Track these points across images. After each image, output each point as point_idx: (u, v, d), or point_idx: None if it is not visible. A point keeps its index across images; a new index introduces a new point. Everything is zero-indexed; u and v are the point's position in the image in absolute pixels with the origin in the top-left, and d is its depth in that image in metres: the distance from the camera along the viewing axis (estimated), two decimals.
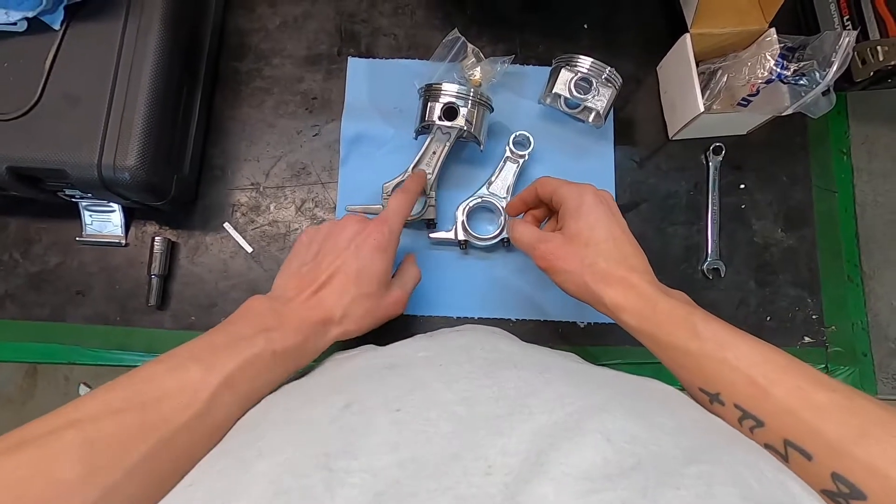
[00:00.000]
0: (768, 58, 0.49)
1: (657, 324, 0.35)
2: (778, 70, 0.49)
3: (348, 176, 0.53)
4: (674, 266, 0.54)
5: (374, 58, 0.55)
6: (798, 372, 0.30)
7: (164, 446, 0.27)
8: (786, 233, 0.55)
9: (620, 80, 0.51)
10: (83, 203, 0.49)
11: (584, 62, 0.50)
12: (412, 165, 0.49)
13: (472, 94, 0.47)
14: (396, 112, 0.54)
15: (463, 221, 0.50)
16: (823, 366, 0.53)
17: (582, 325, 0.52)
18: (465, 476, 0.21)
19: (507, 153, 0.52)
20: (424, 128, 0.49)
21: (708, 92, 0.53)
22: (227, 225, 0.52)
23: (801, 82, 0.48)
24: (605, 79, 0.50)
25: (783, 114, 0.49)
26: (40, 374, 1.30)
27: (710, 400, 0.32)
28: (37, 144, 0.42)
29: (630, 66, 0.56)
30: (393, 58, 0.56)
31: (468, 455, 0.22)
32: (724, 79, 0.52)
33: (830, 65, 0.46)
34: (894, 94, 0.55)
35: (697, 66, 0.50)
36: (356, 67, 0.55)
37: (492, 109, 0.50)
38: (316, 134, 0.54)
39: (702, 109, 0.49)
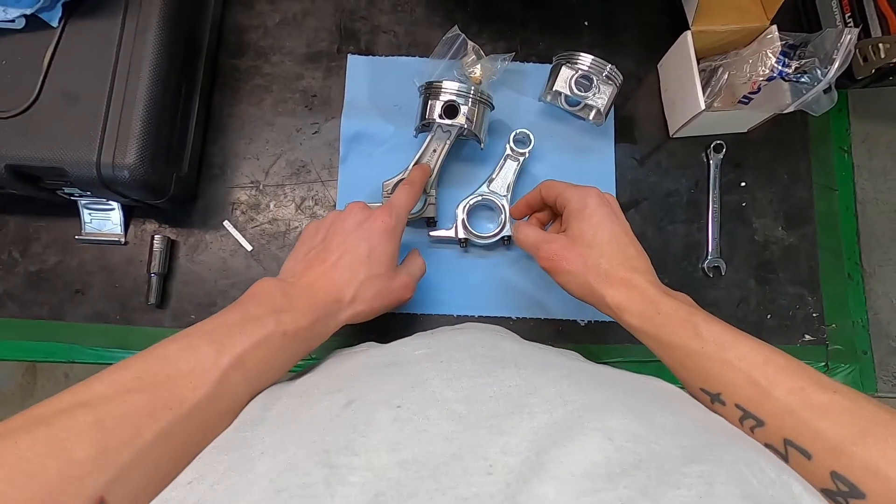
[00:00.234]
0: (770, 55, 0.49)
1: (659, 324, 0.35)
2: (779, 67, 0.49)
3: (348, 174, 0.53)
4: (674, 264, 0.53)
5: (374, 55, 0.55)
6: (799, 373, 0.30)
7: (176, 427, 0.27)
8: (786, 231, 0.55)
9: (621, 78, 0.51)
10: (82, 201, 0.49)
11: (585, 60, 0.50)
12: (412, 163, 0.49)
13: (472, 91, 0.47)
14: (396, 110, 0.54)
15: (463, 219, 0.50)
16: (824, 364, 0.53)
17: (583, 324, 0.52)
18: (465, 476, 0.21)
19: (508, 151, 0.52)
20: (425, 126, 0.49)
21: (709, 89, 0.53)
22: (226, 223, 0.52)
23: (803, 80, 0.48)
24: (606, 76, 0.50)
25: (784, 111, 0.49)
26: (40, 372, 1.31)
27: (711, 400, 0.33)
28: (35, 142, 0.42)
29: (631, 64, 0.56)
30: (393, 55, 0.55)
31: (469, 455, 0.22)
32: (725, 76, 0.52)
33: (832, 62, 0.45)
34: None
35: (698, 63, 0.50)
36: (356, 65, 0.55)
37: (492, 107, 0.50)
38: (315, 132, 0.54)
39: (703, 107, 0.48)
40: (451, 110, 0.47)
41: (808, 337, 0.53)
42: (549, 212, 0.47)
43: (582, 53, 0.50)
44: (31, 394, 1.30)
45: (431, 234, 0.51)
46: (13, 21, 0.43)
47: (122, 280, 0.50)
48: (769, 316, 0.53)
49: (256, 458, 0.24)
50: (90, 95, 0.43)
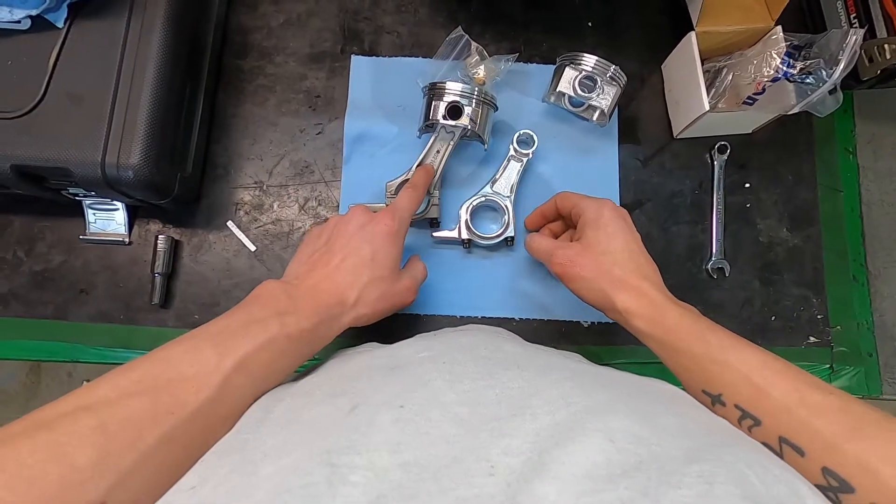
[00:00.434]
0: (774, 56, 0.49)
1: (666, 329, 0.36)
2: (784, 68, 0.49)
3: (351, 174, 0.53)
4: (678, 265, 0.53)
5: (378, 56, 0.55)
6: (796, 375, 0.32)
7: (178, 431, 0.27)
8: (791, 232, 0.54)
9: (625, 79, 0.51)
10: (87, 201, 0.49)
11: (589, 60, 0.50)
12: (416, 164, 0.49)
13: (476, 92, 0.47)
14: (400, 110, 0.54)
15: (466, 220, 0.50)
16: (828, 366, 0.53)
17: (586, 325, 0.52)
18: (466, 477, 0.21)
19: (511, 152, 0.51)
20: (428, 126, 0.49)
21: (713, 90, 0.52)
22: (230, 223, 0.52)
23: (808, 81, 0.48)
24: (610, 77, 0.50)
25: (789, 112, 0.49)
26: (44, 372, 1.31)
27: (712, 401, 0.34)
28: (40, 143, 0.42)
29: (634, 65, 0.56)
30: (396, 56, 0.55)
31: (470, 457, 0.22)
32: (730, 77, 0.52)
33: (837, 63, 0.45)
34: None
35: (702, 64, 0.50)
36: (359, 65, 0.55)
37: (496, 108, 0.50)
38: (319, 132, 0.54)
39: (707, 108, 0.48)
40: (454, 111, 0.47)
41: (812, 339, 0.53)
42: (561, 223, 0.49)
43: (585, 54, 0.50)
44: (34, 393, 1.30)
45: (434, 234, 0.51)
46: (19, 22, 0.43)
47: (126, 280, 0.50)
48: (773, 318, 0.53)
49: (259, 461, 0.24)
50: (95, 96, 0.43)
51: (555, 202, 0.47)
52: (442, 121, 0.47)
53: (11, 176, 0.42)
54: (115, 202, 0.49)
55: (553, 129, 0.54)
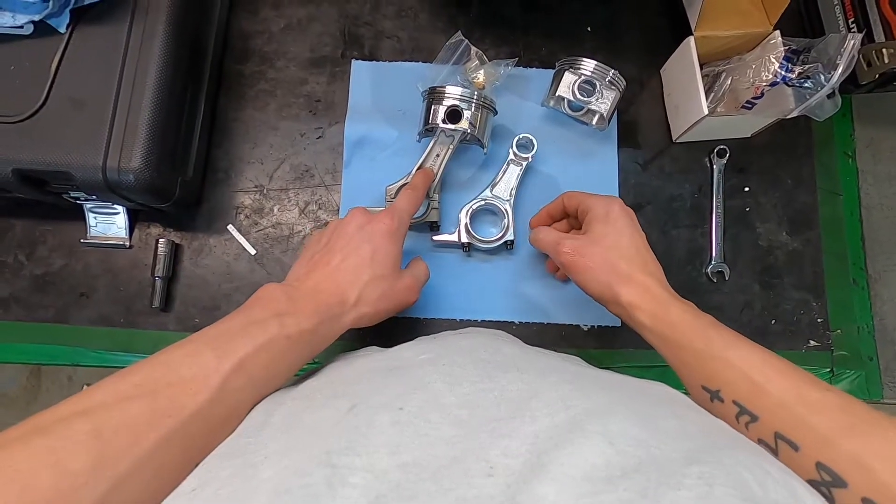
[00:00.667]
0: (773, 60, 0.49)
1: (668, 324, 0.37)
2: (782, 73, 0.49)
3: (351, 178, 0.53)
4: (678, 269, 0.53)
5: (378, 60, 0.56)
6: (796, 374, 0.32)
7: (176, 434, 0.27)
8: (790, 236, 0.54)
9: (624, 83, 0.51)
10: (88, 205, 0.49)
11: (588, 65, 0.50)
12: (415, 168, 0.49)
13: (475, 96, 0.47)
14: (400, 115, 0.54)
15: (466, 224, 0.50)
16: (829, 370, 0.52)
17: (585, 328, 0.52)
18: (466, 478, 0.21)
19: (511, 156, 0.52)
20: (428, 130, 0.49)
21: (712, 94, 0.53)
22: (230, 227, 0.52)
23: (806, 85, 0.48)
24: (609, 81, 0.50)
25: (788, 116, 0.49)
26: (44, 375, 1.31)
27: (710, 397, 0.34)
28: (42, 147, 0.42)
29: (633, 69, 0.56)
30: (396, 60, 0.56)
31: (470, 458, 0.22)
32: (728, 81, 0.52)
33: (835, 67, 0.45)
34: None
35: (701, 68, 0.50)
36: (360, 70, 0.55)
37: (495, 112, 0.50)
38: (319, 136, 0.54)
39: (706, 112, 0.49)
40: (454, 115, 0.47)
41: (813, 343, 0.53)
42: (566, 223, 0.49)
43: (585, 58, 0.50)
44: (35, 397, 1.30)
45: (434, 238, 0.51)
46: (22, 27, 0.43)
47: (127, 283, 0.50)
48: (773, 321, 0.53)
49: (260, 464, 0.24)
50: (97, 100, 0.43)
51: (562, 201, 0.47)
52: (441, 125, 0.47)
53: (13, 180, 0.42)
54: (115, 206, 0.49)
55: (552, 133, 0.55)
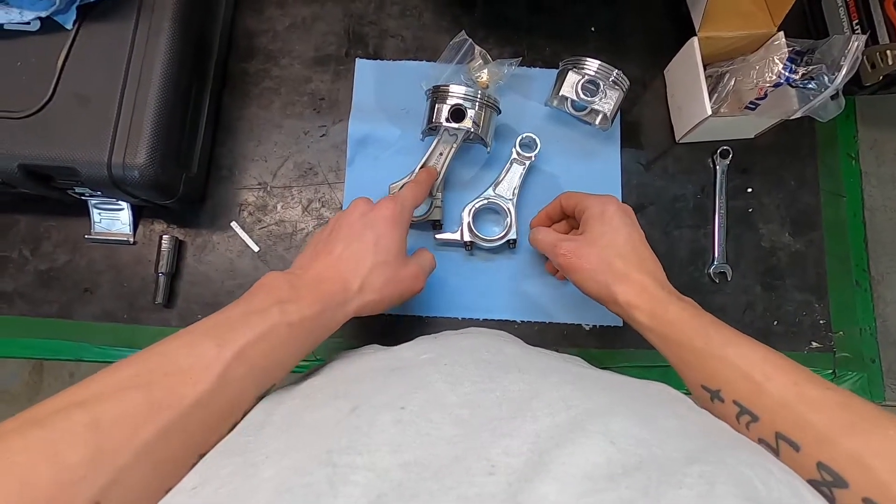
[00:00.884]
0: (777, 61, 0.49)
1: (667, 323, 0.36)
2: (786, 74, 0.49)
3: (355, 176, 0.53)
4: (680, 269, 0.53)
5: (382, 59, 0.56)
6: (795, 371, 0.31)
7: (176, 426, 0.26)
8: (793, 237, 0.54)
9: (628, 83, 0.51)
10: (92, 201, 0.49)
11: (592, 65, 0.50)
12: (419, 166, 0.49)
13: (479, 95, 0.47)
14: (403, 113, 0.54)
15: (469, 223, 0.50)
16: (831, 371, 0.52)
17: (587, 328, 0.52)
18: (467, 476, 0.21)
19: (514, 155, 0.52)
20: (431, 129, 0.49)
21: (715, 95, 0.53)
22: (234, 224, 0.52)
23: (810, 86, 0.48)
24: (613, 81, 0.50)
25: (791, 117, 0.49)
26: (46, 371, 1.31)
27: (710, 397, 0.34)
28: (48, 143, 0.42)
29: (637, 70, 0.56)
30: (400, 59, 0.56)
31: (471, 456, 0.22)
32: (732, 82, 0.52)
33: (839, 69, 0.45)
34: None
35: (705, 69, 0.50)
36: (364, 69, 0.55)
37: (499, 111, 0.50)
38: (323, 134, 0.54)
39: (709, 113, 0.49)
40: (457, 114, 0.48)
41: (815, 344, 0.53)
42: (565, 224, 0.49)
43: (588, 58, 0.50)
44: (37, 392, 1.31)
45: (437, 236, 0.51)
46: (28, 23, 0.43)
47: (131, 279, 0.51)
48: (776, 322, 0.53)
49: (261, 463, 0.24)
50: (102, 97, 0.43)
51: (559, 202, 0.47)
52: (445, 123, 0.47)
53: (19, 175, 0.42)
54: (120, 202, 0.50)
55: (556, 132, 0.55)
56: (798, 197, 0.55)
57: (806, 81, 0.48)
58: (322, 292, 0.36)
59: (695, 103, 0.50)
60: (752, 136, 0.55)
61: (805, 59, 0.49)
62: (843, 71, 0.45)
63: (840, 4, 0.54)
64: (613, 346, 0.52)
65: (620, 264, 0.39)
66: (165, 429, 0.26)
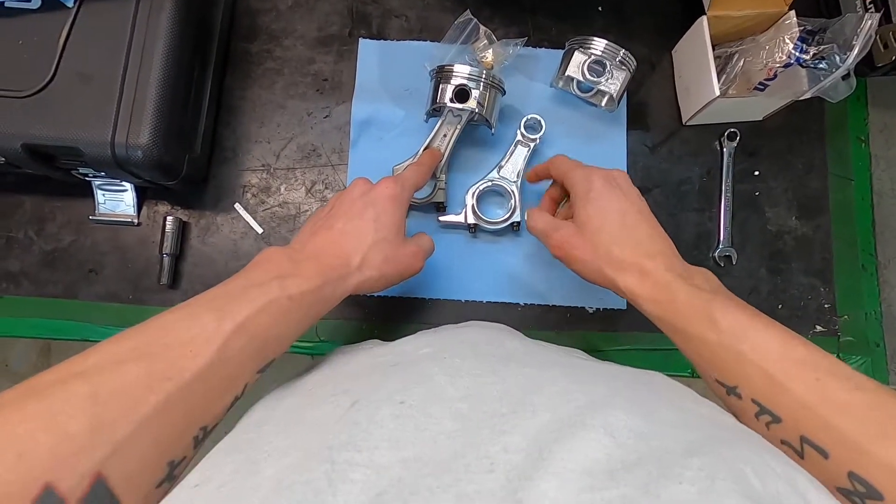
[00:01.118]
0: (787, 41, 0.48)
1: (674, 311, 0.34)
2: (797, 54, 0.48)
3: (358, 158, 0.53)
4: (685, 253, 0.52)
5: (386, 39, 0.55)
6: (819, 365, 0.29)
7: (176, 398, 0.26)
8: (800, 221, 0.54)
9: (635, 63, 0.50)
10: (96, 182, 0.49)
11: (598, 44, 0.49)
12: (422, 148, 0.49)
13: (484, 76, 0.47)
14: (407, 94, 0.54)
15: (473, 205, 0.50)
16: (835, 355, 0.52)
17: (591, 311, 0.52)
18: (467, 473, 0.21)
19: (519, 137, 0.51)
20: (435, 110, 0.49)
21: (724, 76, 0.52)
22: (237, 205, 0.52)
23: (821, 66, 0.47)
24: (619, 61, 0.49)
25: (801, 98, 0.48)
26: (54, 354, 1.33)
27: (727, 392, 0.32)
28: (51, 122, 0.42)
29: (644, 50, 0.55)
30: (404, 40, 0.55)
31: (471, 453, 0.22)
32: (741, 63, 0.51)
33: (851, 48, 0.45)
34: None
35: (713, 49, 0.49)
36: (367, 49, 0.55)
37: (504, 92, 0.49)
38: (326, 116, 0.54)
39: (717, 94, 0.48)
40: (462, 94, 0.47)
41: (819, 328, 0.53)
42: (561, 188, 0.46)
43: (595, 38, 0.49)
44: None
45: (441, 219, 0.51)
46: (29, 1, 0.43)
47: (135, 260, 0.51)
48: (780, 306, 0.53)
49: (262, 461, 0.24)
50: (104, 75, 0.43)
51: (549, 167, 0.45)
52: (449, 104, 0.47)
53: (22, 155, 0.42)
54: (123, 183, 0.50)
55: (561, 114, 0.54)
56: (806, 181, 0.55)
57: (817, 61, 0.47)
58: (322, 266, 0.35)
59: (703, 84, 0.50)
60: (761, 119, 0.55)
61: (816, 38, 0.48)
62: (856, 50, 0.44)
63: None
64: (617, 328, 0.52)
65: (616, 250, 0.37)
66: (166, 401, 0.26)
